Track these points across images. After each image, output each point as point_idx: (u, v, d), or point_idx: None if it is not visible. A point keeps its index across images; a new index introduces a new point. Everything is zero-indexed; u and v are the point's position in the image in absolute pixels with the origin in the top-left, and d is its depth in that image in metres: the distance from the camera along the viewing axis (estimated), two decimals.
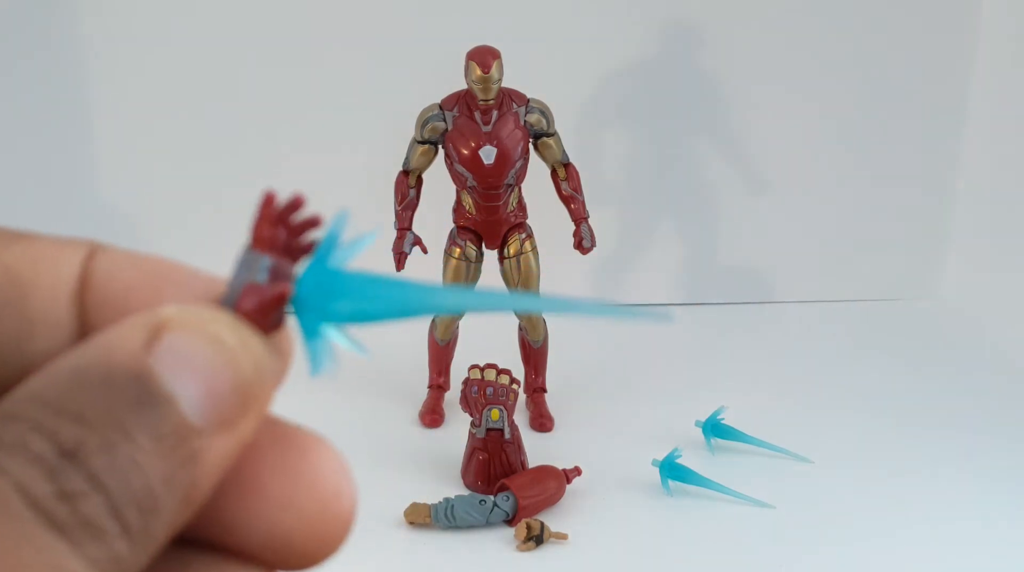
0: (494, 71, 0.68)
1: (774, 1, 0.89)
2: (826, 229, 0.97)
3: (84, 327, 0.15)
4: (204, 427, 0.14)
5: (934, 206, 0.97)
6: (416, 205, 0.73)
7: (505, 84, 0.70)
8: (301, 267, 0.15)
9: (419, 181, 0.73)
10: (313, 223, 0.16)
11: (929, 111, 0.93)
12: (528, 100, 0.71)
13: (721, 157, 0.93)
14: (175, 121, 0.88)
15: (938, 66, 0.92)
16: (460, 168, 0.71)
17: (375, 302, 0.15)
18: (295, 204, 0.15)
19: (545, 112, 0.71)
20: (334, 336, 0.15)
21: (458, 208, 0.73)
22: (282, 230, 0.15)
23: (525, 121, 0.71)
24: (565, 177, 0.73)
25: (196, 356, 0.14)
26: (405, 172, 0.72)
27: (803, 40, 0.90)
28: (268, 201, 0.15)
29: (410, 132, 0.71)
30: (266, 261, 0.15)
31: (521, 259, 0.73)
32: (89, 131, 0.88)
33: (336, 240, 0.15)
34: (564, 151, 0.73)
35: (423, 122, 0.70)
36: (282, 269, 0.15)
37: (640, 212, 0.95)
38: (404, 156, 0.72)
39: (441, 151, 0.72)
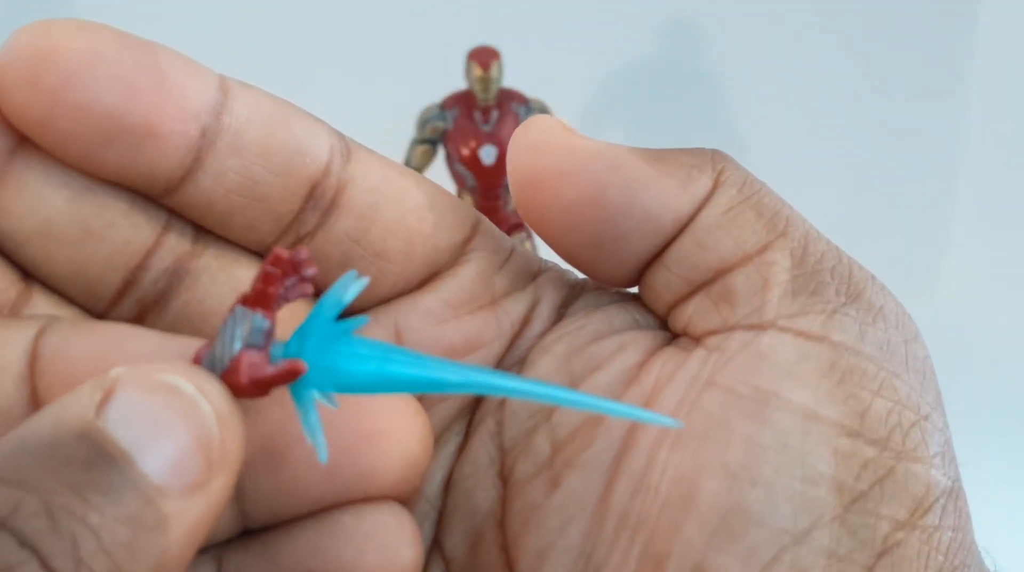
0: (494, 71, 0.68)
1: (775, 2, 0.89)
2: (824, 229, 0.96)
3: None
4: (170, 489, 0.12)
5: (933, 206, 0.97)
6: None
7: (505, 84, 0.69)
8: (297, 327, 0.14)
9: None
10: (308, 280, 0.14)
11: (929, 112, 0.93)
12: (528, 100, 0.71)
13: None
14: None
15: (938, 67, 0.92)
16: (460, 168, 0.70)
17: (373, 373, 0.14)
18: (302, 262, 0.14)
19: (545, 112, 0.71)
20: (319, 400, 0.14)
21: None
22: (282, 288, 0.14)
23: None
24: None
25: (151, 411, 0.12)
26: None
27: (803, 42, 0.90)
28: (276, 260, 0.14)
29: (410, 132, 0.71)
30: (263, 323, 0.13)
31: None
32: None
33: (339, 301, 0.13)
34: None
35: (423, 122, 0.70)
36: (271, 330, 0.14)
37: None
38: (404, 156, 0.72)
39: (441, 151, 0.71)
